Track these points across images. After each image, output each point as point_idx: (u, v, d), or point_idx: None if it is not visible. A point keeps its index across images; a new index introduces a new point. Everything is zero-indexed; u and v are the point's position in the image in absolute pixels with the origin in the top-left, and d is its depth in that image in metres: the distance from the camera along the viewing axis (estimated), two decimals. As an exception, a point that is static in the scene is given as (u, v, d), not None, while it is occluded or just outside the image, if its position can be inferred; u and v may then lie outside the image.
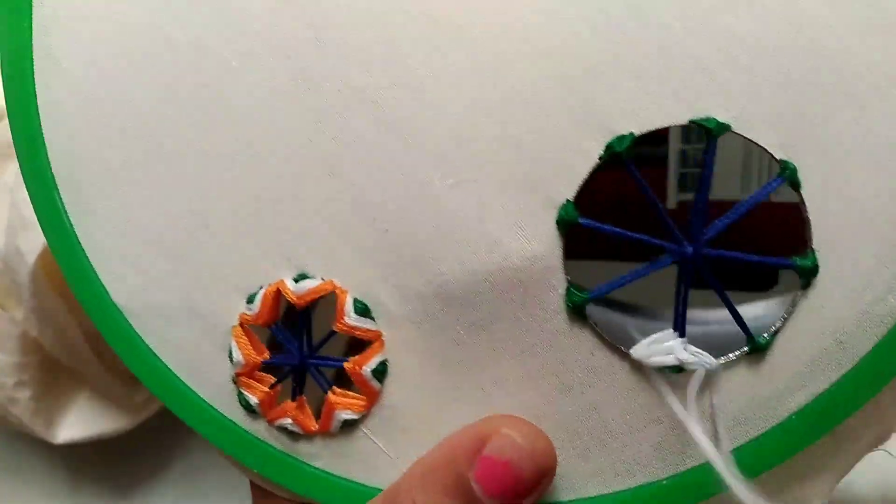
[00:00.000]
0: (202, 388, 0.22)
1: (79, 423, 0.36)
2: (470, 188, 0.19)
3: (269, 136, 0.20)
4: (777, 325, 0.19)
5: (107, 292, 0.22)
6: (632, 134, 0.18)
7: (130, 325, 0.22)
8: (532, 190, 0.19)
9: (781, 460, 0.19)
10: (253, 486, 0.23)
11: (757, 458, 0.19)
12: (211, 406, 0.22)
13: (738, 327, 0.19)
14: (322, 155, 0.20)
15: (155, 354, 0.22)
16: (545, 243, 0.19)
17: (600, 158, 0.18)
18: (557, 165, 0.18)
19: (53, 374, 0.35)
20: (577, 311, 0.19)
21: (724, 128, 0.18)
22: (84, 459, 0.39)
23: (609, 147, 0.18)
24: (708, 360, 0.18)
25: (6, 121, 0.34)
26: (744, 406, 0.19)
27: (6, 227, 0.33)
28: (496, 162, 0.19)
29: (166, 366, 0.22)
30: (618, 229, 0.18)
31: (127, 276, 0.22)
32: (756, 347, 0.19)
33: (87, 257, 0.22)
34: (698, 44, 0.18)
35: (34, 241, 0.32)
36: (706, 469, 0.18)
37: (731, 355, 0.19)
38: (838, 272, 0.18)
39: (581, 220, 0.18)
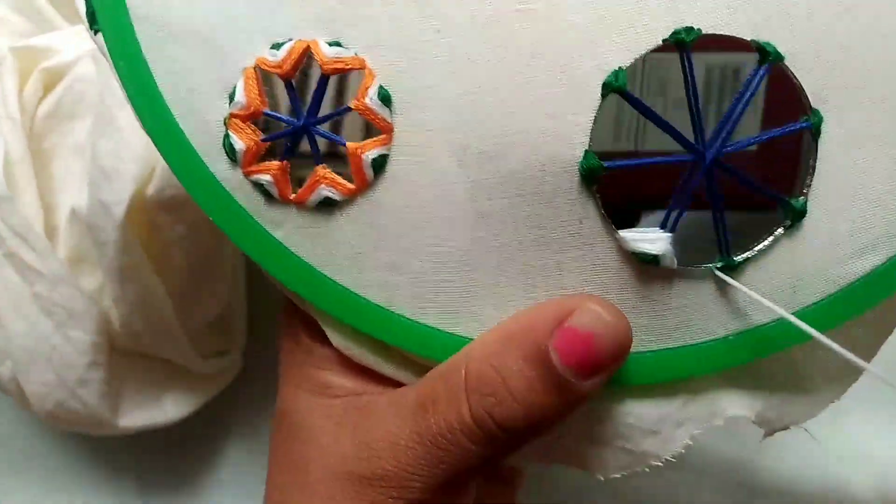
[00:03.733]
0: (187, 121, 0.21)
1: (141, 410, 0.34)
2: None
3: None
4: (751, 251, 0.20)
5: None
6: (699, 30, 0.19)
7: (132, 26, 0.21)
8: (592, 56, 0.19)
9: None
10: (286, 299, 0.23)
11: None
12: (189, 142, 0.21)
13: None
14: None
15: (150, 72, 0.21)
16: (584, 105, 0.19)
17: (664, 41, 0.19)
18: (623, 35, 0.19)
19: (122, 356, 0.33)
20: (587, 177, 0.19)
21: (779, 57, 0.19)
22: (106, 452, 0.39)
23: (676, 33, 0.19)
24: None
25: (74, 83, 0.32)
26: None
27: (88, 183, 0.31)
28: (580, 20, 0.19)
29: (156, 84, 0.21)
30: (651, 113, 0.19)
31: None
32: (728, 265, 0.20)
33: None
34: None
35: (120, 191, 0.30)
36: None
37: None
38: (817, 225, 0.20)
39: (626, 91, 0.19)
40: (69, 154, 0.34)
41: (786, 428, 0.22)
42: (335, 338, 0.22)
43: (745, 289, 0.20)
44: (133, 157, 0.31)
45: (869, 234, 0.20)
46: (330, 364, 0.23)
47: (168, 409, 0.35)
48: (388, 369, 0.22)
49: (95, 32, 0.22)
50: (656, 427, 0.22)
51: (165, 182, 0.32)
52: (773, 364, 0.22)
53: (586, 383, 0.19)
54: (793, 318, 0.19)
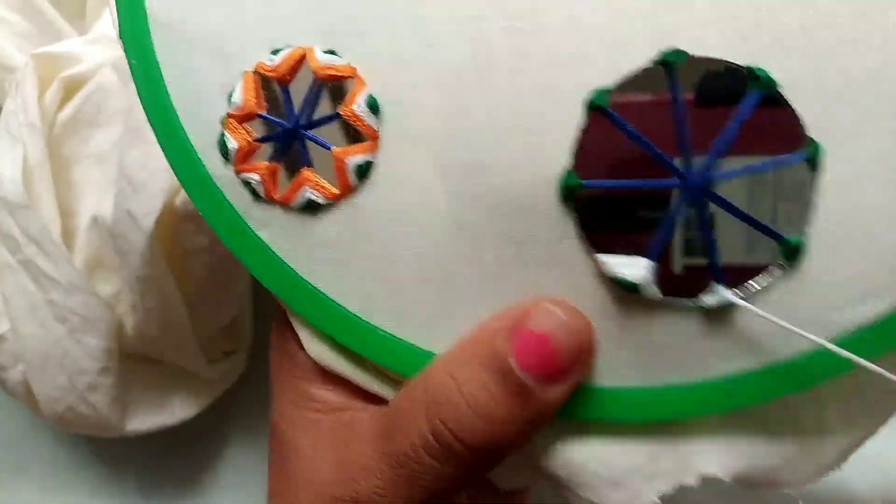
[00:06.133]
0: (189, 120, 0.22)
1: (149, 413, 0.35)
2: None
3: None
4: (744, 290, 0.19)
5: None
6: (686, 53, 0.18)
7: (148, 28, 0.22)
8: (575, 75, 0.19)
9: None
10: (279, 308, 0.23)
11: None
12: (188, 139, 0.22)
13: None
14: None
15: (160, 72, 0.22)
16: (566, 124, 0.19)
17: (653, 63, 0.19)
18: (608, 56, 0.19)
19: (131, 361, 0.34)
20: (566, 195, 0.19)
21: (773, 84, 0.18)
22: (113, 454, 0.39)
23: (664, 54, 0.18)
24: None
25: (94, 91, 0.33)
26: None
27: (115, 193, 0.31)
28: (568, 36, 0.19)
29: (164, 84, 0.22)
30: (633, 132, 0.19)
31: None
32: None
33: None
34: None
35: (149, 203, 0.30)
36: None
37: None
38: (816, 265, 0.19)
39: (609, 110, 0.19)
40: (89, 161, 0.34)
41: (771, 488, 0.20)
42: (309, 344, 0.22)
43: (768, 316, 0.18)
44: (163, 168, 0.29)
45: (872, 278, 0.18)
46: (313, 376, 0.23)
47: (175, 410, 0.35)
48: (362, 380, 0.22)
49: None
50: (623, 480, 0.20)
51: None
52: (770, 416, 0.20)
53: (548, 391, 0.18)
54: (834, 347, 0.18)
